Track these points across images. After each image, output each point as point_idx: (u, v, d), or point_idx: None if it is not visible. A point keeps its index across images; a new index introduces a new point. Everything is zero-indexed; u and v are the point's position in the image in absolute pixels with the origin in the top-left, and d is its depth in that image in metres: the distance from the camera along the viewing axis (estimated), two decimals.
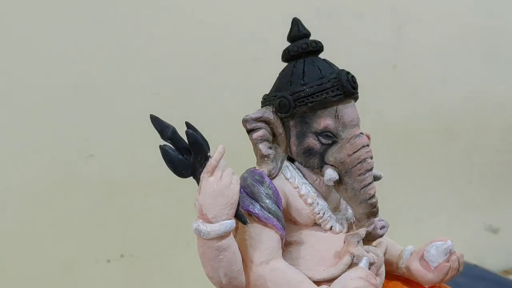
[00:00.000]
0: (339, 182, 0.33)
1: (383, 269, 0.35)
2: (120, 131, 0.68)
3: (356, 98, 0.34)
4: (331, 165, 0.33)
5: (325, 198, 0.35)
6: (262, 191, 0.32)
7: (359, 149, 0.32)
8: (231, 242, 0.30)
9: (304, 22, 0.35)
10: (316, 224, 0.35)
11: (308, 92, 0.32)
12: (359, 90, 0.34)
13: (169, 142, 0.29)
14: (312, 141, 0.33)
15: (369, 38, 0.80)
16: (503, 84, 0.91)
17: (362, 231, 0.33)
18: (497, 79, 0.91)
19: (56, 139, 0.65)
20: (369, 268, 0.32)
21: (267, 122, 0.33)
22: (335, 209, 0.36)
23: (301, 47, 0.34)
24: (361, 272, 0.30)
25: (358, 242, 0.33)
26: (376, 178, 0.34)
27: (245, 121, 0.33)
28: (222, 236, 0.29)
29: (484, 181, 0.93)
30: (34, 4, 0.63)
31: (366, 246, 0.34)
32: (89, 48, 0.66)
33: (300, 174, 0.34)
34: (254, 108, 0.34)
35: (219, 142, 0.30)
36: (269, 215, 0.32)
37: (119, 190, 0.69)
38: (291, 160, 0.35)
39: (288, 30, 0.35)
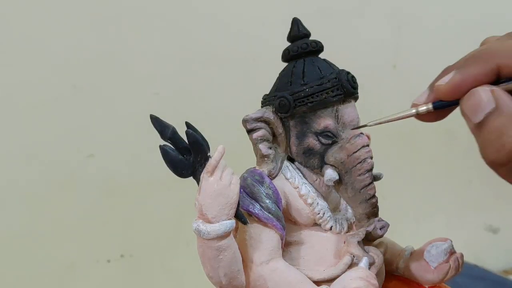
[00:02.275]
0: (339, 182, 0.33)
1: (383, 269, 0.35)
2: (120, 131, 0.68)
3: (356, 98, 0.34)
4: (331, 165, 0.33)
5: (325, 198, 0.35)
6: (262, 191, 0.32)
7: (359, 149, 0.32)
8: (231, 242, 0.30)
9: (304, 22, 0.35)
10: (316, 224, 0.35)
11: (308, 92, 0.32)
12: (359, 90, 0.34)
13: (169, 142, 0.29)
14: (312, 141, 0.33)
15: (369, 38, 0.80)
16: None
17: (362, 231, 0.33)
18: None
19: (56, 139, 0.66)
20: (369, 268, 0.32)
21: (267, 122, 0.33)
22: (335, 209, 0.36)
23: (301, 47, 0.34)
24: (361, 272, 0.30)
25: (358, 242, 0.33)
26: (376, 178, 0.34)
27: (245, 121, 0.33)
28: (222, 236, 0.29)
29: (484, 181, 0.93)
30: (34, 4, 0.63)
31: (366, 246, 0.34)
32: (89, 48, 0.66)
33: (300, 174, 0.34)
34: (254, 108, 0.34)
35: (219, 142, 0.30)
36: (269, 215, 0.32)
37: (119, 190, 0.69)
38: (291, 160, 0.35)
39: (288, 30, 0.35)
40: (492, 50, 0.25)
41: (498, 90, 0.25)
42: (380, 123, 0.31)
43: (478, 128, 0.25)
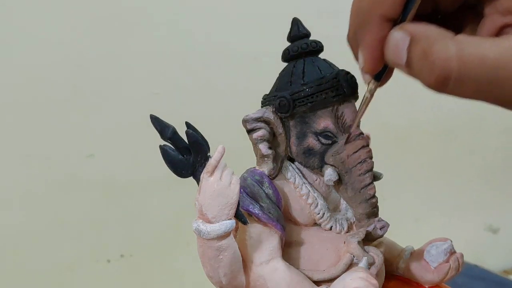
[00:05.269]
0: (339, 182, 0.33)
1: (383, 269, 0.35)
2: (120, 131, 0.68)
3: (356, 98, 0.34)
4: (331, 165, 0.33)
5: (325, 198, 0.35)
6: (262, 191, 0.32)
7: (359, 149, 0.32)
8: (231, 242, 0.30)
9: (304, 22, 0.35)
10: (316, 224, 0.35)
11: (308, 92, 0.32)
12: (359, 90, 0.34)
13: (169, 142, 0.29)
14: (312, 141, 0.33)
15: None
16: None
17: (362, 231, 0.33)
18: None
19: (56, 139, 0.66)
20: (369, 268, 0.32)
21: (267, 122, 0.33)
22: (335, 209, 0.36)
23: (301, 47, 0.34)
24: (361, 272, 0.31)
25: (358, 242, 0.33)
26: (376, 178, 0.34)
27: (245, 121, 0.33)
28: (222, 236, 0.29)
29: (483, 181, 0.93)
30: (34, 3, 0.63)
31: (366, 246, 0.34)
32: (89, 48, 0.66)
33: (300, 174, 0.34)
34: (254, 108, 0.34)
35: (219, 142, 0.30)
36: (269, 215, 0.32)
37: (119, 190, 0.69)
38: (291, 160, 0.35)
39: (288, 30, 0.35)
40: (366, 5, 0.25)
41: (405, 23, 0.25)
42: (358, 121, 0.31)
43: (410, 67, 0.24)
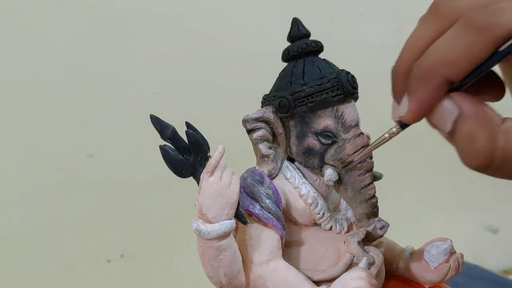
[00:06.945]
0: (339, 182, 0.33)
1: (383, 269, 0.35)
2: (120, 131, 0.68)
3: (356, 98, 0.34)
4: (331, 165, 0.33)
5: (325, 198, 0.35)
6: (262, 191, 0.32)
7: (359, 149, 0.32)
8: (231, 242, 0.30)
9: (304, 22, 0.35)
10: (316, 224, 0.35)
11: (308, 92, 0.32)
12: (359, 90, 0.34)
13: (169, 142, 0.29)
14: (312, 141, 0.33)
15: (369, 38, 0.80)
16: None
17: (362, 231, 0.33)
18: None
19: (56, 139, 0.66)
20: (368, 268, 0.32)
21: (267, 122, 0.33)
22: (335, 209, 0.36)
23: (301, 47, 0.34)
24: (361, 272, 0.31)
25: (358, 242, 0.33)
26: (376, 178, 0.34)
27: (245, 121, 0.33)
28: (222, 236, 0.29)
29: (484, 181, 0.93)
30: (34, 3, 0.63)
31: (366, 246, 0.34)
32: (89, 48, 0.66)
33: (300, 174, 0.34)
34: (254, 108, 0.34)
35: (219, 142, 0.30)
36: (269, 215, 0.32)
37: (119, 190, 0.69)
38: (291, 160, 0.35)
39: (288, 30, 0.35)
40: (432, 64, 0.25)
41: (457, 94, 0.24)
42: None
43: (451, 136, 0.25)
